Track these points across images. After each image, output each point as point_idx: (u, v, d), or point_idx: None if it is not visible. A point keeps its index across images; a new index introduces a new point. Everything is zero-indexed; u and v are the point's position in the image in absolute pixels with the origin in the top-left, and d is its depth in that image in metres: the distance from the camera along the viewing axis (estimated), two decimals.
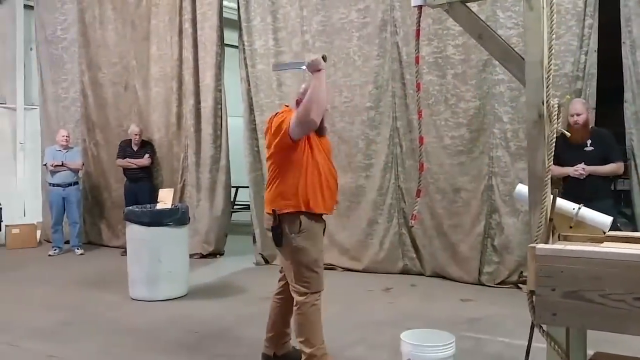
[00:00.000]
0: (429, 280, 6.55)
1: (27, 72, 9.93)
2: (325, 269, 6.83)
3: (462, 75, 6.25)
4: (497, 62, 5.18)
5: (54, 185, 8.34)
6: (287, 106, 3.82)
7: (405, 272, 6.80)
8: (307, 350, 3.62)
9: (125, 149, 8.16)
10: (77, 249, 8.44)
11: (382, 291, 6.09)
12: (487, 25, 2.93)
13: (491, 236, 6.27)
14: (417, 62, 3.34)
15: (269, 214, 3.66)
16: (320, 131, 3.70)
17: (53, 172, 8.29)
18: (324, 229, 3.82)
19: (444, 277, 6.53)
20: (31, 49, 9.97)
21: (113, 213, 8.87)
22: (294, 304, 3.68)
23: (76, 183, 8.45)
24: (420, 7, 2.99)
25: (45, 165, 8.45)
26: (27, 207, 9.92)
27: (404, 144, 6.71)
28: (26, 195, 9.91)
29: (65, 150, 8.34)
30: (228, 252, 8.17)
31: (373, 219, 6.91)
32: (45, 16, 9.36)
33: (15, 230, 9.15)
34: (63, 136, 8.37)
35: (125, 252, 8.10)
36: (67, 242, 8.63)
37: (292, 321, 3.76)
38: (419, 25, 3.07)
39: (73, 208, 8.40)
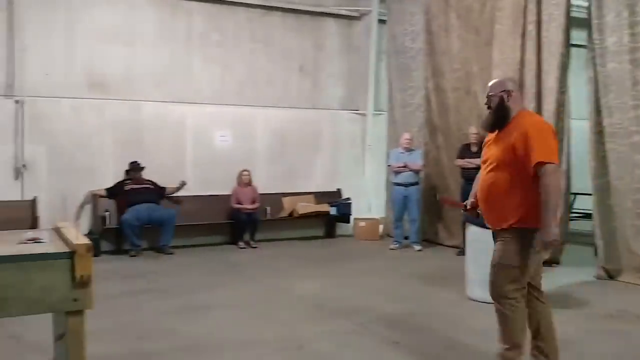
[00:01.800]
0: None
1: (377, 81, 10.91)
2: None
3: None
4: None
5: (397, 184, 9.00)
6: None
7: None
8: None
9: (464, 151, 8.37)
10: (416, 245, 8.97)
11: None
12: None
13: None
14: None
15: None
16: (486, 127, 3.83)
17: (396, 173, 8.96)
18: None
19: None
20: (381, 60, 10.91)
21: (450, 213, 9.18)
22: None
23: (417, 183, 8.98)
24: None
25: (389, 166, 9.17)
26: (372, 204, 10.89)
27: None
28: (371, 192, 10.89)
29: (408, 153, 8.92)
30: (565, 262, 7.75)
31: None
32: (395, 28, 10.15)
33: (362, 224, 10.15)
34: (406, 139, 8.97)
35: (461, 251, 8.39)
36: (406, 237, 9.22)
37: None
38: None
39: (413, 206, 8.94)
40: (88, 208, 8.79)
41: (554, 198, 3.44)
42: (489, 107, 3.75)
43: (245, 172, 9.50)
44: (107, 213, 8.66)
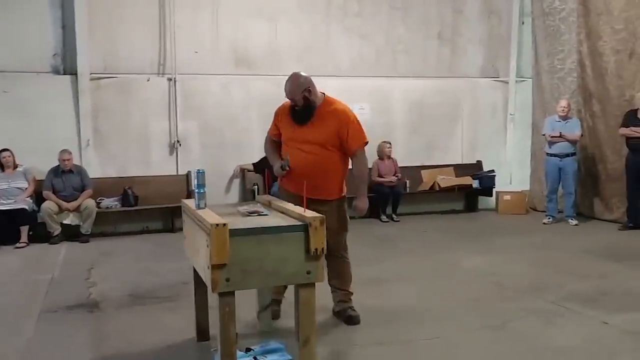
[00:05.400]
0: None
1: (519, 46, 10.36)
2: None
3: None
4: None
5: (551, 155, 8.52)
6: None
7: None
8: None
9: (630, 118, 7.76)
10: (571, 219, 8.48)
11: None
12: None
13: None
14: None
15: None
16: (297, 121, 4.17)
17: (551, 143, 8.47)
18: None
19: None
20: (522, 23, 10.33)
21: (608, 186, 8.63)
22: None
23: (574, 154, 8.45)
24: None
25: (544, 135, 8.68)
26: (513, 176, 10.43)
27: None
28: (513, 164, 10.43)
29: (565, 121, 8.40)
30: None
31: None
32: None
33: (507, 197, 9.74)
34: (562, 107, 8.44)
35: (624, 227, 7.89)
36: (559, 211, 8.75)
37: None
38: None
39: (569, 179, 8.43)
40: (237, 182, 8.99)
41: (367, 173, 4.52)
42: (295, 106, 4.13)
43: (387, 145, 9.33)
44: (255, 187, 8.79)
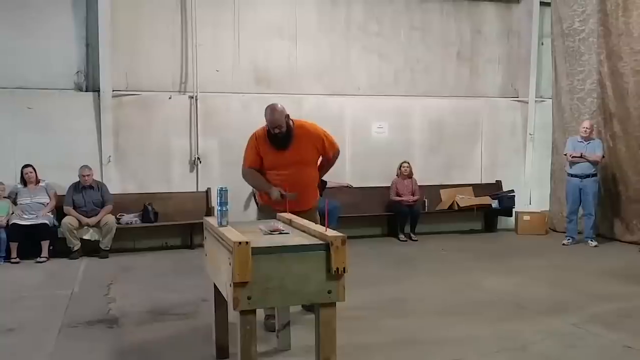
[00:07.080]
0: None
1: (539, 66, 10.34)
2: None
3: None
4: None
5: (572, 175, 8.46)
6: None
7: None
8: None
9: None
10: (591, 240, 8.40)
11: None
12: None
13: None
14: None
15: None
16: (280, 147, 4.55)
17: (572, 163, 8.42)
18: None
19: None
20: (542, 44, 10.33)
21: (629, 207, 8.55)
22: None
23: (594, 175, 8.38)
24: None
25: (565, 155, 8.63)
26: (533, 196, 10.36)
27: None
28: (532, 184, 10.37)
29: (587, 142, 8.35)
30: None
31: None
32: (562, 10, 9.53)
33: (526, 217, 9.66)
34: (584, 127, 8.39)
35: None
36: (579, 232, 8.66)
37: None
38: None
39: (589, 200, 8.37)
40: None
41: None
42: (279, 132, 4.48)
43: (406, 164, 9.33)
44: None
